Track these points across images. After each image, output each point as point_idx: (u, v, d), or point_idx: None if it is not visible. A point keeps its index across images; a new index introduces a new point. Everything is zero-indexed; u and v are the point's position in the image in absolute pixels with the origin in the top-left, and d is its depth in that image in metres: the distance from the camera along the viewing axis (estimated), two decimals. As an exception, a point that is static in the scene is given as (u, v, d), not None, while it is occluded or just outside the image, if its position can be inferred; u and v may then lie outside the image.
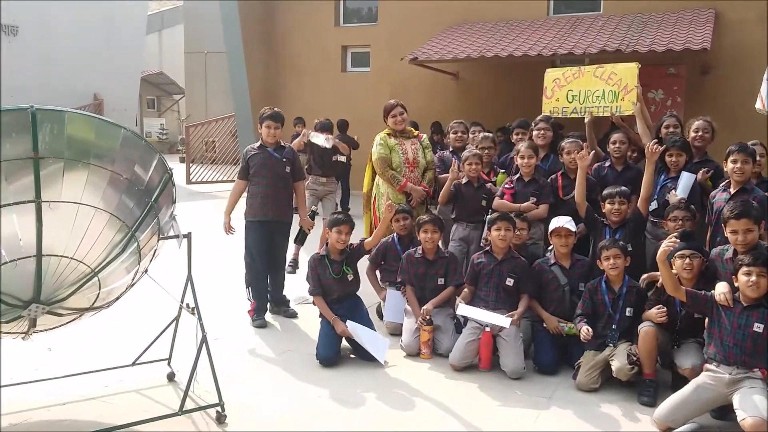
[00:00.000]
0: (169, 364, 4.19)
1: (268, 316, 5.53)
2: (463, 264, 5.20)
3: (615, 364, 4.05)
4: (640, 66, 5.51)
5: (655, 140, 4.85)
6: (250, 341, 5.00)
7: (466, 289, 4.81)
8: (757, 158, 4.69)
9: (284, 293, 5.69)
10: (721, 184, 4.52)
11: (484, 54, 10.58)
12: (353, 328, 4.56)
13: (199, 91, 23.15)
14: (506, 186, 5.34)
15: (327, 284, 4.71)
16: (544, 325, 4.57)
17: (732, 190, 4.33)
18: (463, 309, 4.60)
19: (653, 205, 4.88)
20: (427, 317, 4.65)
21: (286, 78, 14.71)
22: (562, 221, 4.57)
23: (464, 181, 5.41)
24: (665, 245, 3.76)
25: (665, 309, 3.98)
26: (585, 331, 4.14)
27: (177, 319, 4.00)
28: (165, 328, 4.08)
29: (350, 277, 4.77)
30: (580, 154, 4.79)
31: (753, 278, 3.49)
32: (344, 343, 4.69)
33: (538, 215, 5.15)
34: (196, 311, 3.57)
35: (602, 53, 9.75)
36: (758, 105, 5.26)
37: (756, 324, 3.49)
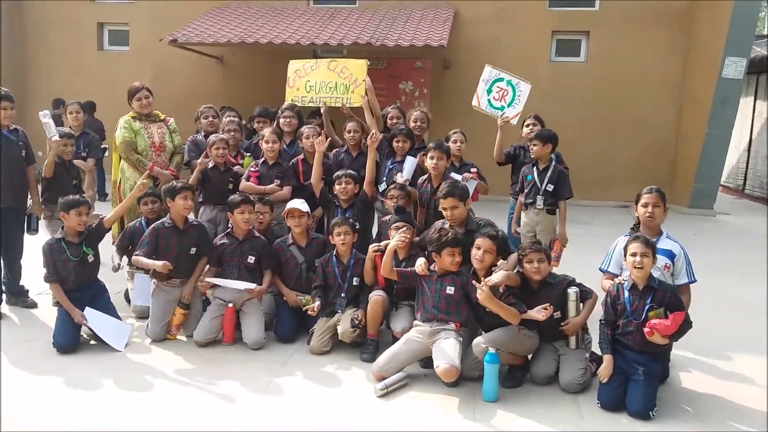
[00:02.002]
0: None
1: (5, 308, 5.25)
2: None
3: (339, 329, 4.58)
4: (369, 63, 6.04)
5: (375, 131, 5.42)
6: (-20, 335, 4.74)
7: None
8: (458, 144, 5.56)
9: (21, 283, 5.43)
10: (423, 176, 5.25)
11: (245, 40, 10.75)
12: (91, 316, 4.54)
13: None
14: (251, 169, 5.63)
15: (65, 268, 4.59)
16: (285, 298, 4.97)
17: (434, 184, 5.07)
18: (211, 279, 4.81)
19: (382, 186, 5.49)
20: (186, 301, 4.77)
21: (36, 53, 13.46)
22: (294, 203, 4.98)
23: (211, 165, 5.59)
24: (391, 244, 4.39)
25: (378, 249, 4.58)
26: (315, 308, 4.60)
27: None
28: None
29: (90, 259, 4.70)
30: (317, 140, 5.20)
31: (456, 258, 4.19)
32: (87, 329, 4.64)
33: (282, 197, 5.50)
34: None
35: (355, 45, 10.44)
36: (474, 102, 6.03)
37: (448, 287, 4.22)
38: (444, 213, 4.55)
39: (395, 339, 4.54)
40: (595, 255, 4.81)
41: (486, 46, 11.97)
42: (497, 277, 4.00)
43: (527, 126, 5.87)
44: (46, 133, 5.28)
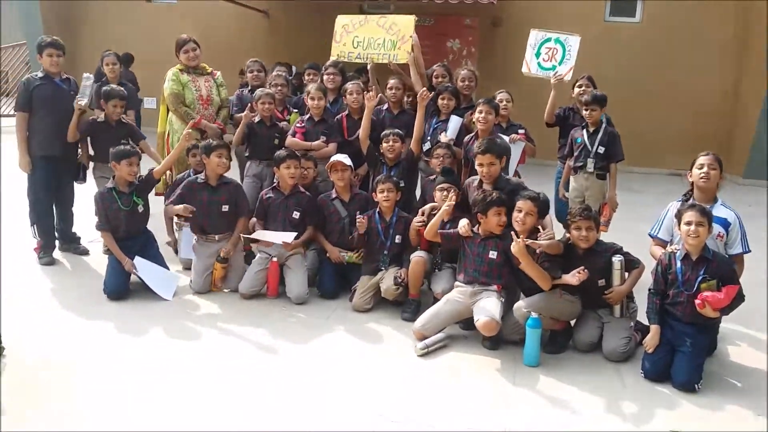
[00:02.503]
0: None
1: (57, 254, 5.42)
2: (257, 200, 5.43)
3: (383, 286, 4.59)
4: (417, 18, 5.90)
5: (426, 87, 5.33)
6: (36, 278, 4.92)
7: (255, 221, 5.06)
8: (504, 104, 5.43)
9: (74, 230, 5.58)
10: (469, 135, 5.15)
11: (293, -8, 10.61)
12: (140, 265, 4.66)
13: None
14: (297, 125, 5.61)
15: (116, 217, 4.69)
16: (328, 255, 4.99)
17: (480, 139, 4.95)
18: (257, 234, 4.88)
19: (426, 146, 5.42)
20: (224, 255, 4.82)
21: (85, 4, 13.57)
22: (338, 157, 4.97)
23: (257, 119, 5.59)
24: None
25: (424, 219, 4.56)
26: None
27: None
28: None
29: (140, 209, 4.79)
30: (368, 95, 5.09)
31: (502, 218, 4.12)
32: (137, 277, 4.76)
33: (328, 152, 5.47)
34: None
35: (404, 1, 10.20)
36: (524, 69, 5.86)
37: (491, 252, 4.16)
38: (478, 169, 4.44)
39: (436, 300, 4.51)
40: (645, 223, 4.67)
41: (537, 3, 11.59)
42: (541, 243, 3.93)
43: (579, 87, 5.70)
44: (78, 94, 5.27)
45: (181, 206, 4.71)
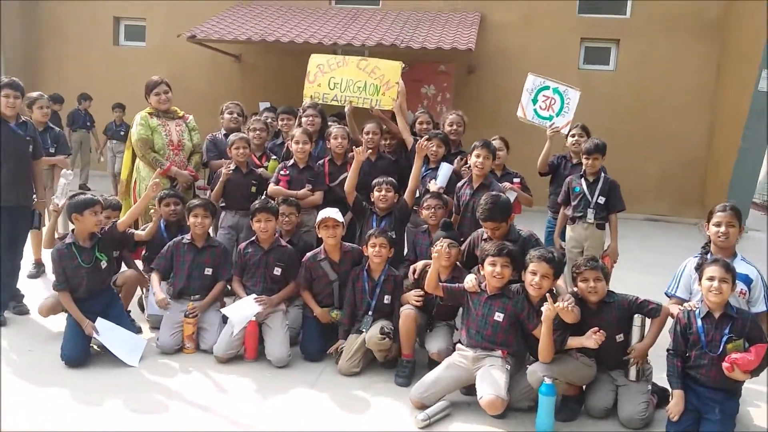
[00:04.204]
0: None
1: (8, 314, 4.89)
2: (233, 252, 5.02)
3: (367, 335, 4.16)
4: (404, 66, 5.69)
5: (426, 137, 5.03)
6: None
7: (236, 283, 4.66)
8: (497, 153, 5.13)
9: (18, 286, 5.06)
10: (464, 179, 4.87)
11: (265, 38, 10.41)
12: (103, 327, 4.17)
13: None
14: (281, 173, 5.24)
15: (76, 276, 4.22)
16: (314, 315, 4.56)
17: (474, 185, 4.69)
18: (224, 310, 4.45)
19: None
20: (190, 309, 4.41)
21: (51, 46, 13.16)
22: (329, 212, 4.51)
23: (232, 167, 5.21)
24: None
25: (422, 293, 4.18)
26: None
27: None
28: None
29: (104, 265, 4.32)
30: (357, 150, 4.74)
31: (497, 269, 3.77)
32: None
33: (314, 202, 5.13)
34: None
35: (379, 47, 10.09)
36: (519, 113, 5.68)
37: (497, 313, 3.78)
38: (488, 233, 4.17)
39: (431, 361, 4.15)
40: (625, 269, 4.52)
41: (512, 51, 11.63)
42: (571, 316, 3.56)
43: (572, 136, 5.50)
44: (56, 191, 4.76)
45: (160, 297, 4.44)
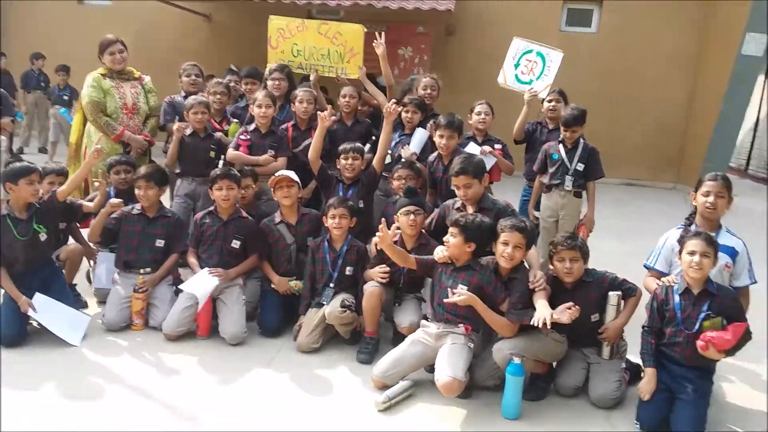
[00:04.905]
0: None
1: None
2: (189, 222, 4.74)
3: (327, 309, 3.95)
4: (366, 29, 5.37)
5: (394, 100, 4.73)
6: None
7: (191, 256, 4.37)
8: (482, 116, 4.92)
9: None
10: (434, 154, 4.61)
11: (235, -6, 9.94)
12: (41, 304, 3.87)
13: None
14: (241, 137, 4.92)
15: (11, 249, 3.88)
16: (273, 286, 4.32)
17: (446, 162, 4.44)
18: (183, 286, 4.15)
19: (387, 159, 4.83)
20: (140, 284, 4.14)
21: (13, 3, 12.54)
22: (283, 171, 4.28)
23: (188, 131, 4.89)
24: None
25: (388, 269, 3.95)
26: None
27: None
28: None
29: (43, 237, 3.98)
30: (321, 115, 4.37)
31: (453, 239, 3.55)
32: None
33: (276, 168, 4.78)
34: None
35: (355, 6, 9.71)
36: (500, 79, 5.43)
37: (460, 285, 3.50)
38: (456, 191, 3.91)
39: (396, 336, 3.95)
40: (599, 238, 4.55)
41: (492, 12, 11.24)
42: (558, 314, 3.27)
43: (549, 101, 5.23)
44: None
45: (116, 201, 4.27)
